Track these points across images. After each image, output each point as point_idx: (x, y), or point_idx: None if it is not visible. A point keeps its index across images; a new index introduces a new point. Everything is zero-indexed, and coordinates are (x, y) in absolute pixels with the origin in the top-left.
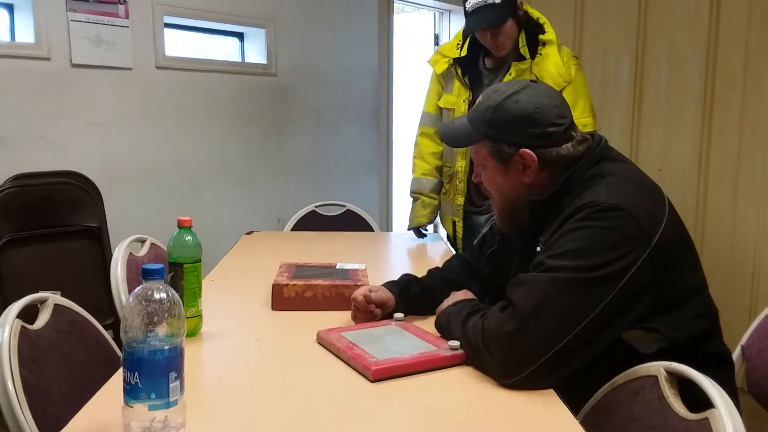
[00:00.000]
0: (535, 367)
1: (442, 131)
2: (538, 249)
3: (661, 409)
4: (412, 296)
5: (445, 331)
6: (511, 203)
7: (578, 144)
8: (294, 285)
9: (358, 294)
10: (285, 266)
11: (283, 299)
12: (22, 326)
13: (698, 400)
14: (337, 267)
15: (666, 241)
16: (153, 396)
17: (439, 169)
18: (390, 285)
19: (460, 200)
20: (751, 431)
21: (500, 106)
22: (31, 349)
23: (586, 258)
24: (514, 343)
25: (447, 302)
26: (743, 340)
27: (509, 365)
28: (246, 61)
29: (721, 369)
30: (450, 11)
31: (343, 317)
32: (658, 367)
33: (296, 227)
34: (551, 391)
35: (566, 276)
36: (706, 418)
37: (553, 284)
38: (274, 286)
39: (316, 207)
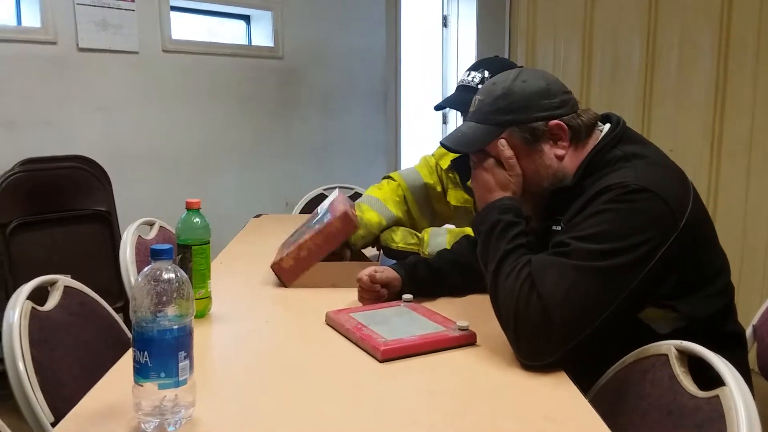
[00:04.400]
0: (559, 355)
1: (453, 141)
2: (555, 228)
3: (671, 387)
4: (419, 278)
5: (481, 244)
6: (545, 189)
7: (587, 112)
8: (288, 254)
9: (363, 274)
10: (279, 247)
11: (287, 272)
12: (33, 308)
13: (710, 379)
14: (319, 211)
15: (692, 223)
16: (163, 375)
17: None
18: (397, 266)
19: None
20: (762, 413)
21: (511, 91)
22: (41, 331)
23: (615, 241)
24: (543, 334)
25: (491, 194)
26: (755, 320)
27: (535, 354)
28: (253, 44)
29: (735, 349)
30: None
31: (350, 298)
32: (668, 346)
33: (304, 210)
34: (561, 371)
35: (597, 264)
36: (717, 396)
37: (582, 272)
38: (272, 267)
39: (324, 190)
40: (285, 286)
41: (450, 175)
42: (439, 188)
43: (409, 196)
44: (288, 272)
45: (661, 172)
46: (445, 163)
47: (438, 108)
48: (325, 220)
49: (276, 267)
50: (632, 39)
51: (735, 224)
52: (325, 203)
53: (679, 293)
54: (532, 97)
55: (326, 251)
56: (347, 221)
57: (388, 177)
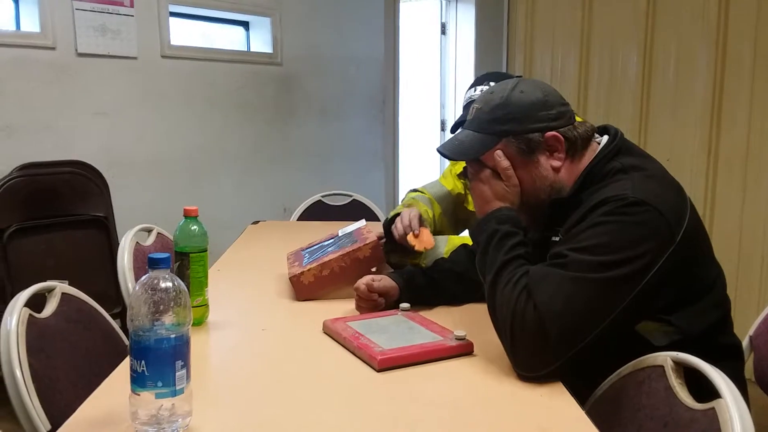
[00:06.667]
0: (555, 367)
1: (449, 149)
2: (554, 239)
3: (667, 399)
4: (417, 287)
5: (479, 255)
6: (543, 200)
7: (583, 125)
8: (309, 270)
9: (361, 283)
10: (292, 255)
11: (304, 287)
12: (30, 315)
13: (706, 391)
14: (340, 234)
15: (688, 236)
16: (160, 384)
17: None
18: (394, 275)
19: None
20: (759, 422)
21: (509, 101)
22: (38, 338)
23: (612, 254)
24: (539, 345)
25: (488, 205)
26: (751, 331)
27: (532, 365)
28: (251, 50)
29: (731, 360)
30: (456, 0)
31: (348, 307)
32: (664, 357)
33: (302, 217)
34: (558, 381)
35: (593, 276)
36: (713, 408)
37: (579, 284)
38: (291, 278)
39: (322, 197)
40: (296, 300)
41: (463, 181)
42: (461, 191)
43: (436, 207)
44: (306, 288)
45: (658, 184)
46: (458, 169)
47: (454, 129)
48: (354, 245)
49: (295, 279)
50: (629, 51)
51: (731, 235)
52: (348, 228)
53: (675, 307)
54: (529, 108)
55: (351, 277)
56: (377, 250)
57: (416, 190)
